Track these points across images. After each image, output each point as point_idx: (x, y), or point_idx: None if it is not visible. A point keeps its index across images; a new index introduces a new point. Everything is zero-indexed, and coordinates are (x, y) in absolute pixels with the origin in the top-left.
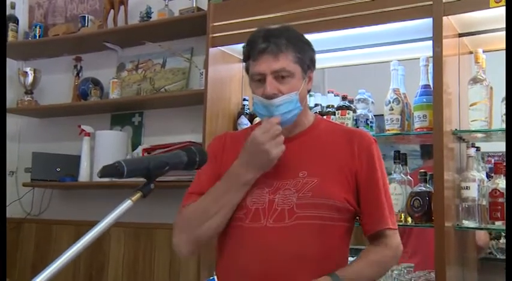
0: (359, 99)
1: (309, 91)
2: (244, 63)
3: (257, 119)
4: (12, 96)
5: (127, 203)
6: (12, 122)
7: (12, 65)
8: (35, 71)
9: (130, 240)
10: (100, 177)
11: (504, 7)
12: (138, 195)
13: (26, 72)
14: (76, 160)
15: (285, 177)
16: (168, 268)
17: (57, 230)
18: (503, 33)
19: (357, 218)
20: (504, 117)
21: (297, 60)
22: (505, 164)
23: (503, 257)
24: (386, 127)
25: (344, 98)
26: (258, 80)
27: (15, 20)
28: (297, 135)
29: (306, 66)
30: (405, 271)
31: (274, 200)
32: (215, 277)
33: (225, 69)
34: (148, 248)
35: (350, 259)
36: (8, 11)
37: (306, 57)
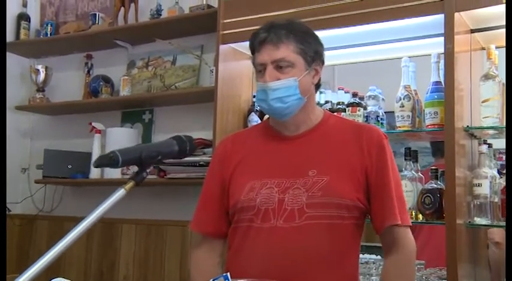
0: (369, 96)
1: (317, 87)
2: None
3: (267, 116)
4: (24, 93)
5: (120, 192)
6: (24, 120)
7: (24, 63)
8: (46, 68)
9: (142, 237)
10: (95, 167)
11: None
12: (131, 184)
13: (38, 69)
14: (87, 157)
15: (294, 176)
16: (179, 264)
17: (69, 226)
18: None
19: (368, 216)
20: None
21: (299, 51)
22: None
23: None
24: (397, 124)
25: (354, 95)
26: (260, 70)
27: (27, 18)
28: (305, 133)
29: (310, 58)
30: (416, 268)
31: (283, 200)
32: (228, 274)
33: (235, 66)
34: (159, 245)
35: (361, 255)
36: (20, 9)
37: (310, 48)
